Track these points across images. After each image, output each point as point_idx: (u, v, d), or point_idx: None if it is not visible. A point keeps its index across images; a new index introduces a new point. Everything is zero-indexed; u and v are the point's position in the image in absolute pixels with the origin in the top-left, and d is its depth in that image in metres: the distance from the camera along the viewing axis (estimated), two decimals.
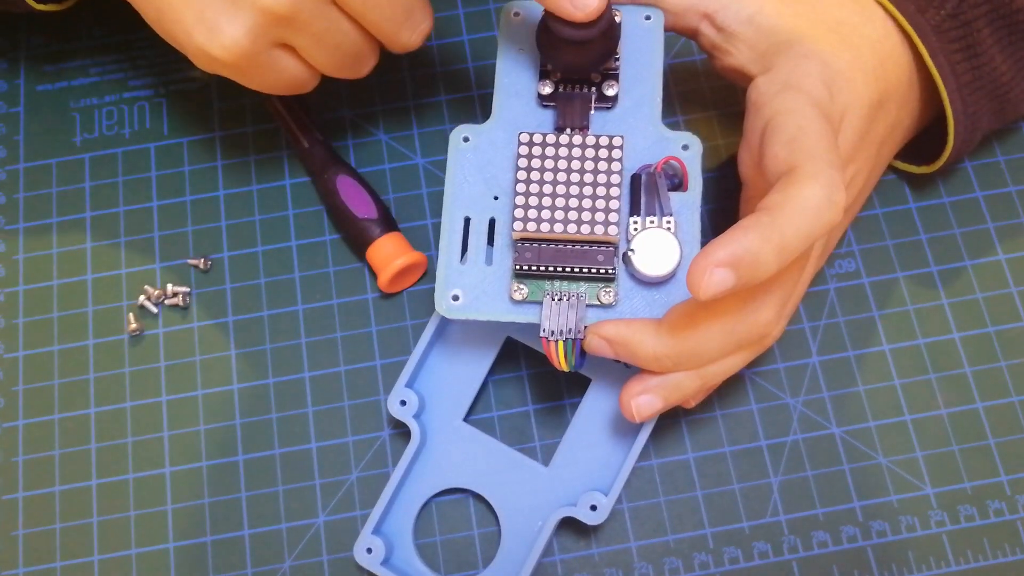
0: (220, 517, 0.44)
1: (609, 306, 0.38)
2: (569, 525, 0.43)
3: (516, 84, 0.41)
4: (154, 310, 0.47)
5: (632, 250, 0.38)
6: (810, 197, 0.33)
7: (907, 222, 0.47)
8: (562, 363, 0.38)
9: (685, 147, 0.39)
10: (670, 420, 0.45)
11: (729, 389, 0.45)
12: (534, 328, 0.38)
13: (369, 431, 0.45)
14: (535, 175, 0.38)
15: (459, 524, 0.44)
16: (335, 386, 0.46)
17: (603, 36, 0.38)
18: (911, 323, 0.46)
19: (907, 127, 0.43)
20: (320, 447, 0.45)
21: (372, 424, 0.45)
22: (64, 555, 0.44)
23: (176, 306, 0.47)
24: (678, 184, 0.39)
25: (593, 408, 0.43)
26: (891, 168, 0.48)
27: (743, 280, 0.32)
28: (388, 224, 0.46)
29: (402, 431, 0.45)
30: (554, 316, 0.38)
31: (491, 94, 0.41)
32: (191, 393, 0.46)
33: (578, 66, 0.39)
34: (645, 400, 0.38)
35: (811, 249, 0.37)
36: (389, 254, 0.45)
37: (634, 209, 0.39)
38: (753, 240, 0.32)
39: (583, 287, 0.38)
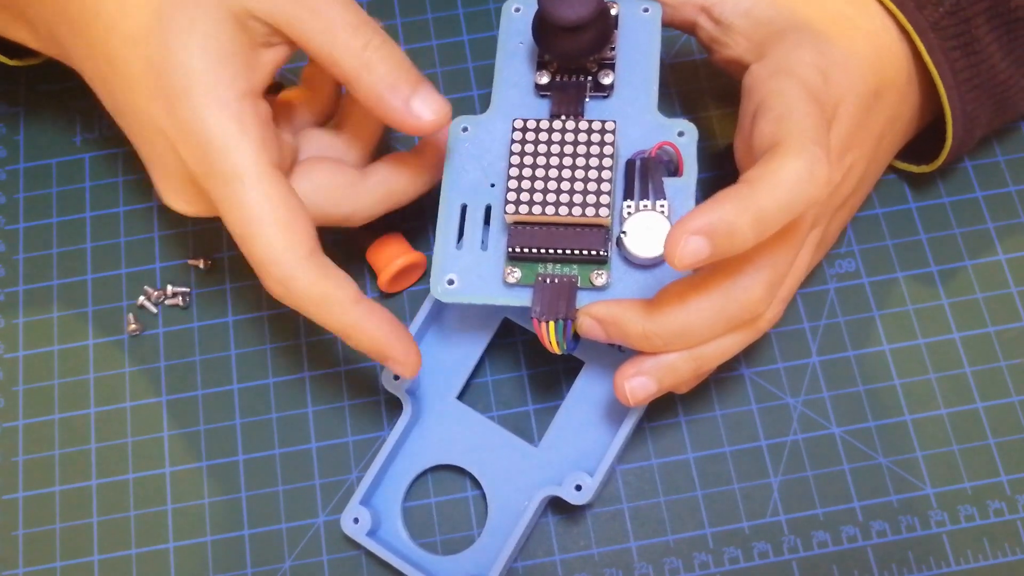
0: (220, 517, 0.44)
1: (601, 288, 0.38)
2: (569, 522, 0.43)
3: (515, 75, 0.41)
4: (154, 310, 0.47)
5: (625, 232, 0.38)
6: (790, 169, 0.33)
7: (907, 222, 0.47)
8: (553, 345, 0.38)
9: (681, 134, 0.39)
10: (670, 420, 0.45)
11: (729, 389, 0.45)
12: (528, 311, 0.38)
13: (369, 431, 0.45)
14: (528, 159, 0.38)
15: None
16: (335, 386, 0.46)
17: (596, 24, 0.38)
18: (911, 323, 0.46)
19: (908, 121, 0.43)
20: (320, 447, 0.45)
21: (372, 424, 0.45)
22: (64, 555, 0.44)
23: (176, 306, 0.47)
24: (673, 171, 0.39)
25: (584, 390, 0.43)
26: (891, 168, 0.47)
27: (719, 249, 0.32)
28: (388, 224, 0.46)
29: None
30: (545, 297, 0.38)
31: (491, 93, 0.41)
32: (191, 393, 0.46)
33: (572, 53, 0.39)
34: (639, 382, 0.38)
35: (801, 228, 0.37)
36: (389, 254, 0.45)
37: (628, 194, 0.39)
38: (729, 210, 0.32)
39: (575, 269, 0.38)
